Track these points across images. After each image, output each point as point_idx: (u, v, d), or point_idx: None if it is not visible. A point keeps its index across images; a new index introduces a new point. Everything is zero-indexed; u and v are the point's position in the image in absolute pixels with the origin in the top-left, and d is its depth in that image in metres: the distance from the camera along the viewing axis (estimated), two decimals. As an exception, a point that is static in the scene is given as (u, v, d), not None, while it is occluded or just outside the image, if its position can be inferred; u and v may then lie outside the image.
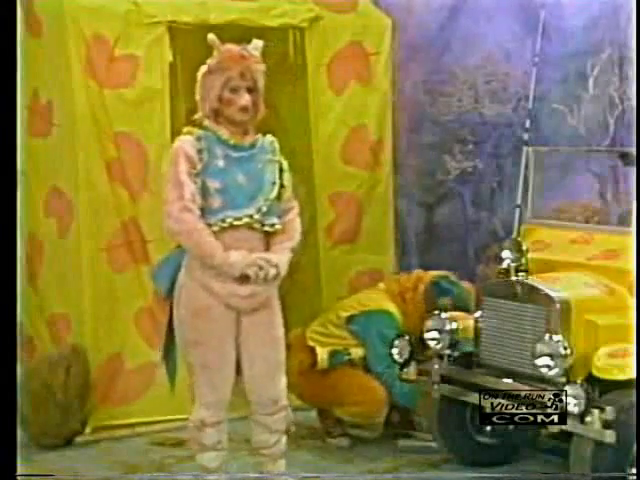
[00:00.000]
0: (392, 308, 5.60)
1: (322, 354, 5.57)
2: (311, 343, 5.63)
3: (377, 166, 6.61)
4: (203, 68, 4.45)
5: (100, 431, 5.77)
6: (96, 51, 5.68)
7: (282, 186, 4.49)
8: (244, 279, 4.34)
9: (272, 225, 4.43)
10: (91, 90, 5.70)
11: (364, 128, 6.53)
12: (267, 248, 4.45)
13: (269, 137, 4.54)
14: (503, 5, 6.74)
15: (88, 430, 5.75)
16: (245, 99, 4.36)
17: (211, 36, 4.43)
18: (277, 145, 4.54)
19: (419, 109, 7.11)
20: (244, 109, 4.37)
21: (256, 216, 4.37)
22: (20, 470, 3.88)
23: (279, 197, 4.47)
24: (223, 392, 4.47)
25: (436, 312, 5.31)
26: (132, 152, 5.81)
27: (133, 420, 5.85)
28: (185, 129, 4.45)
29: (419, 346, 5.30)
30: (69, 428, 5.65)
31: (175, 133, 5.97)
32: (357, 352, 5.57)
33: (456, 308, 5.44)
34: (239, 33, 6.24)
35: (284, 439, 4.61)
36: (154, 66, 5.82)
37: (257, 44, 4.46)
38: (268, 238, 4.47)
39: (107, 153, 5.76)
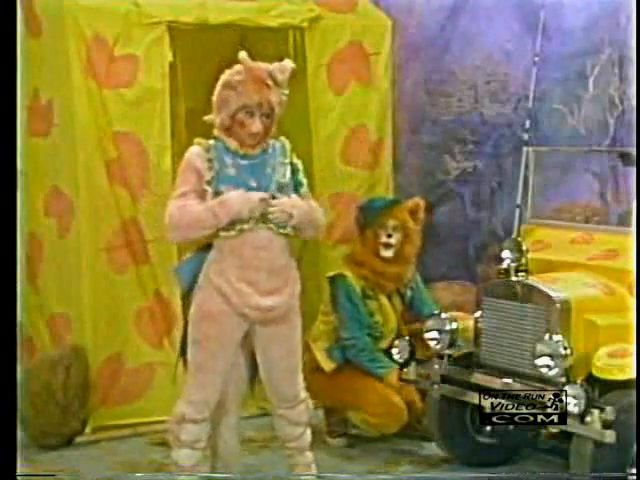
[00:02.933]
0: (346, 271, 5.63)
1: (321, 357, 5.59)
2: (311, 343, 5.63)
3: (377, 166, 6.61)
4: (225, 77, 4.38)
5: (100, 431, 5.77)
6: (96, 51, 5.68)
7: (297, 186, 4.51)
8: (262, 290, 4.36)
9: (284, 227, 4.43)
10: (91, 90, 5.70)
11: (364, 128, 6.53)
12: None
13: (281, 140, 4.53)
14: (503, 5, 6.73)
15: (88, 430, 5.75)
16: (256, 126, 4.33)
17: (242, 54, 4.33)
18: (288, 147, 4.53)
19: (419, 109, 7.11)
20: (254, 135, 4.36)
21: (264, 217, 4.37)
22: (20, 470, 3.87)
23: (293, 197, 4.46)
24: (210, 393, 4.48)
25: (436, 312, 5.33)
26: (132, 152, 5.80)
27: (133, 420, 5.85)
28: (195, 140, 4.44)
29: (419, 346, 5.31)
30: (69, 428, 5.65)
31: (175, 133, 6.01)
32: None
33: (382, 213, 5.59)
34: (239, 33, 6.30)
35: (309, 431, 4.67)
36: (154, 66, 5.82)
37: (286, 66, 4.40)
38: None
39: (107, 153, 5.76)
